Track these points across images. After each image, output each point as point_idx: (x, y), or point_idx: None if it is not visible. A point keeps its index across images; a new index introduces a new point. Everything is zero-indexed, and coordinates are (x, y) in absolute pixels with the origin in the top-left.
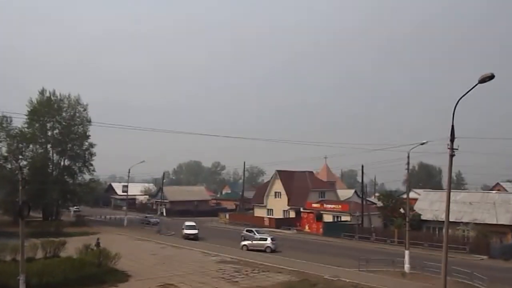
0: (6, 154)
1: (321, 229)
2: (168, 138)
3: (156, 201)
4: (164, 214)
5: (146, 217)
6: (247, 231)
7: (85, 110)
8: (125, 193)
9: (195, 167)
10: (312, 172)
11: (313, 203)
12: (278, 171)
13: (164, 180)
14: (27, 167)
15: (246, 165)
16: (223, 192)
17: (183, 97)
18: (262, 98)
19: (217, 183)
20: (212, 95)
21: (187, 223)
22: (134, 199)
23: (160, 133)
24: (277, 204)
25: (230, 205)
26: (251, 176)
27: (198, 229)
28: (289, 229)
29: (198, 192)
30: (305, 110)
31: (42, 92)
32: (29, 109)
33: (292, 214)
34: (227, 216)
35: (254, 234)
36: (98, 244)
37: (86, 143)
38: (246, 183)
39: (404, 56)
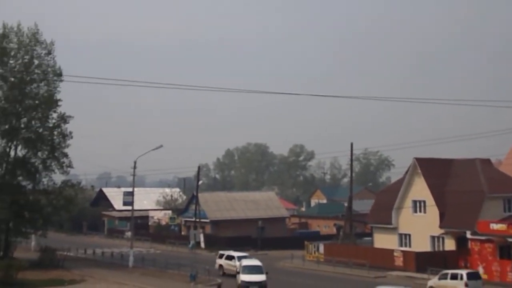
0: None
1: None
2: (200, 103)
3: (186, 221)
4: (202, 244)
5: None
6: (226, 258)
7: (49, 53)
8: (130, 207)
9: (257, 156)
10: (488, 160)
11: (493, 222)
12: (418, 159)
13: (201, 182)
14: None
15: (358, 149)
16: (313, 203)
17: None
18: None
19: (299, 186)
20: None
21: (246, 262)
22: (147, 217)
23: (187, 95)
24: (419, 225)
25: (326, 225)
26: (366, 170)
27: (266, 273)
28: None
29: (264, 204)
30: None
31: None
32: None
33: (449, 244)
34: (321, 248)
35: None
36: None
37: (55, 115)
38: (356, 185)
39: None
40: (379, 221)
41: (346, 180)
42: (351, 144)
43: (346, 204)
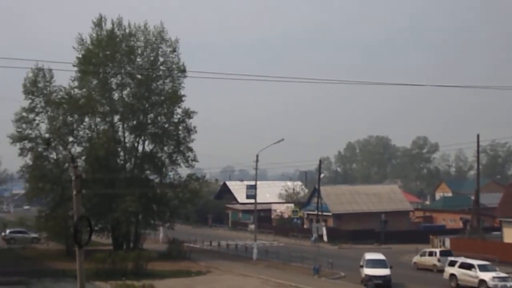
0: (47, 136)
1: None
2: (328, 97)
3: (308, 214)
4: (324, 237)
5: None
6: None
7: (174, 51)
8: (253, 200)
9: (379, 149)
10: None
11: None
12: None
13: (322, 175)
14: (83, 157)
15: (485, 141)
16: (437, 196)
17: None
18: None
19: (423, 179)
20: None
21: (370, 256)
22: (269, 210)
23: (308, 88)
24: None
25: (452, 219)
26: (494, 162)
27: (390, 267)
28: None
29: (387, 197)
30: None
31: (99, 23)
32: (79, 54)
33: None
34: (447, 242)
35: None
36: None
37: (179, 111)
38: (483, 178)
39: None
40: (508, 215)
41: (472, 172)
42: (478, 136)
43: (473, 198)
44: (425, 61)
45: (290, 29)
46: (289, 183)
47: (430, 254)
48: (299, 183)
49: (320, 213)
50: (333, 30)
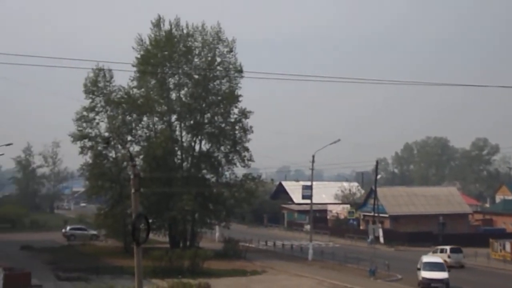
0: (106, 135)
1: None
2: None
3: (364, 216)
4: (381, 239)
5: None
6: None
7: (231, 51)
8: (308, 200)
9: (437, 150)
10: None
11: None
12: None
13: (379, 176)
14: (141, 156)
15: None
16: (498, 199)
17: None
18: None
19: (482, 181)
20: None
21: (427, 259)
22: (325, 211)
23: (364, 89)
24: None
25: None
26: None
27: (448, 271)
28: None
29: (445, 199)
30: None
31: (157, 23)
32: (138, 55)
33: None
34: (508, 246)
35: None
36: None
37: (236, 111)
38: None
39: None
40: None
41: None
42: None
43: None
44: (487, 61)
45: (355, 30)
46: (345, 184)
47: (441, 251)
48: (356, 184)
49: (376, 214)
50: (394, 32)
